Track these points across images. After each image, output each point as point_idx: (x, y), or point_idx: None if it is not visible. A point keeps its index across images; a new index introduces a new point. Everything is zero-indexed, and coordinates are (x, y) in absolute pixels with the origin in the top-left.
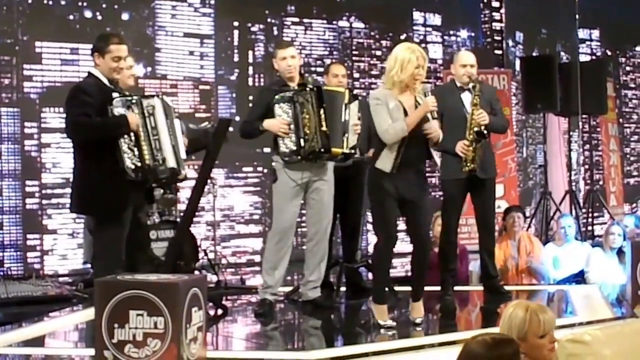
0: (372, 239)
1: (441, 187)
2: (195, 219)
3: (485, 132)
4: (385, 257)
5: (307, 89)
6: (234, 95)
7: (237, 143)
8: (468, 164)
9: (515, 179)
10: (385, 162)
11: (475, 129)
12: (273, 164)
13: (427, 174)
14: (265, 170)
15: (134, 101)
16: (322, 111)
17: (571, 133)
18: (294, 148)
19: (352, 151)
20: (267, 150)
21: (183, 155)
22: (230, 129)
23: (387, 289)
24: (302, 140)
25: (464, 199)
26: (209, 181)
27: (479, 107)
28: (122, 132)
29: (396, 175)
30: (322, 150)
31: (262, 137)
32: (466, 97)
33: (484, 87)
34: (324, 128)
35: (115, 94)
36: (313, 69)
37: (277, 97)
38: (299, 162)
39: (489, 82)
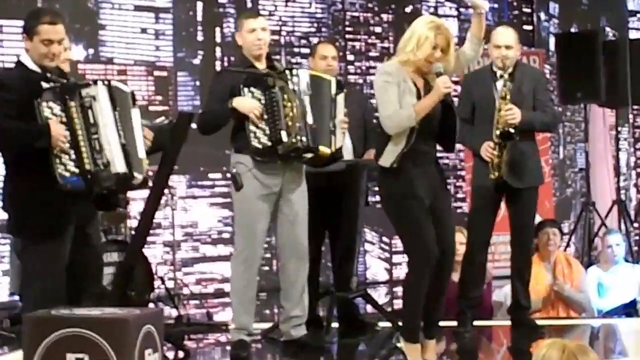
0: (371, 261)
1: (471, 194)
2: (149, 239)
3: (513, 132)
4: (421, 282)
5: (289, 70)
6: (197, 83)
7: (201, 143)
8: (494, 172)
9: (549, 186)
10: (389, 156)
11: (498, 130)
12: (234, 167)
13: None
14: None
15: (68, 90)
16: (307, 99)
17: (620, 128)
18: (269, 144)
19: (340, 152)
20: None
21: (141, 154)
22: (193, 125)
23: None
24: (283, 134)
25: (494, 211)
26: (166, 191)
27: (507, 102)
28: (41, 145)
29: (409, 172)
30: (308, 148)
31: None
32: (501, 86)
33: (526, 70)
34: (309, 120)
35: (45, 84)
36: (296, 49)
37: (245, 78)
38: (273, 163)
39: None
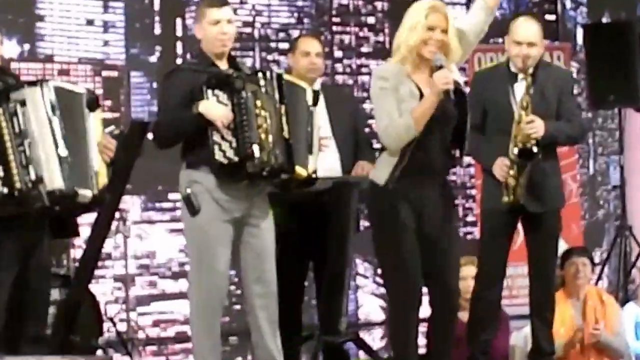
0: (364, 299)
1: (480, 218)
2: (97, 272)
3: (535, 149)
4: (406, 325)
5: (263, 73)
6: (154, 85)
7: (159, 156)
8: (508, 194)
9: (577, 207)
10: (382, 170)
11: (517, 149)
12: (188, 186)
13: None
14: None
15: None
16: (283, 109)
17: None
18: (236, 159)
19: (314, 177)
20: None
21: (94, 165)
22: (149, 135)
23: None
24: (255, 148)
25: (510, 237)
26: (117, 215)
27: (528, 112)
28: None
29: (404, 192)
30: (283, 168)
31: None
32: (520, 90)
33: (550, 71)
34: (286, 134)
35: None
36: (273, 44)
37: (208, 78)
38: (238, 183)
39: None
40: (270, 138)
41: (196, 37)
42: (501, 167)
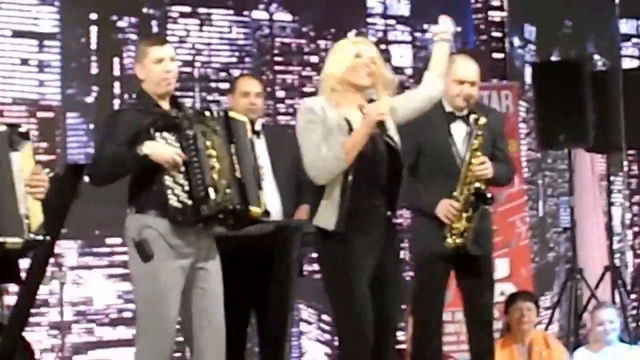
0: (308, 345)
1: (413, 265)
2: (31, 319)
3: (490, 196)
4: None
5: (210, 112)
6: (90, 126)
7: (97, 199)
8: (453, 237)
9: (527, 250)
10: (327, 215)
11: (477, 185)
12: (139, 231)
13: None
14: None
15: None
16: (233, 148)
17: (612, 178)
18: (189, 203)
19: (268, 213)
20: None
21: (22, 208)
22: (86, 178)
23: None
24: (210, 191)
25: (447, 282)
26: (52, 260)
27: (479, 153)
28: None
29: (352, 235)
30: (238, 210)
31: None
32: (458, 130)
33: (484, 112)
34: (238, 174)
35: None
36: (214, 84)
37: (154, 120)
38: (190, 227)
39: (484, 101)
40: (224, 179)
41: (136, 77)
42: (448, 210)
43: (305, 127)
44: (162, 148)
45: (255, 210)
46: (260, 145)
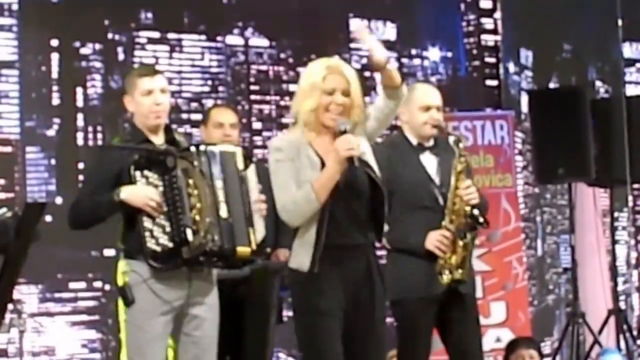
0: None
1: (394, 312)
2: None
3: (482, 218)
4: None
5: (194, 147)
6: (52, 161)
7: (58, 242)
8: (451, 270)
9: (525, 292)
10: (301, 255)
11: (467, 209)
12: (127, 274)
13: None
14: (108, 287)
15: None
16: (218, 184)
17: (616, 214)
18: (170, 245)
19: (263, 247)
20: (110, 252)
21: None
22: (48, 217)
23: None
24: (188, 232)
25: (432, 329)
26: (11, 307)
27: (463, 177)
28: None
29: (329, 274)
30: (221, 251)
31: (105, 230)
32: (429, 161)
33: (446, 143)
34: (223, 213)
35: None
36: (185, 115)
37: (136, 158)
38: (175, 271)
39: (477, 132)
40: (206, 219)
41: (100, 108)
42: (440, 241)
43: (274, 168)
44: (138, 192)
45: (242, 250)
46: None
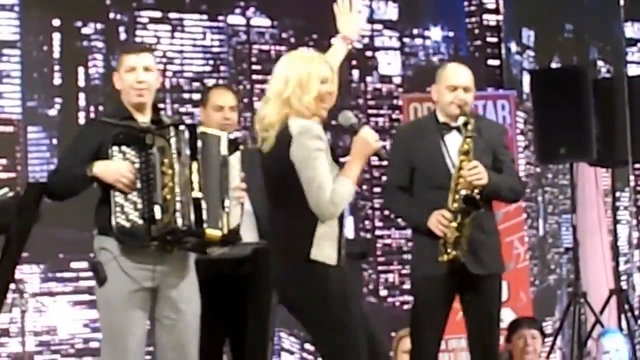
0: None
1: (410, 287)
2: None
3: (479, 197)
4: None
5: (172, 126)
6: (54, 141)
7: (61, 221)
8: (448, 250)
9: (526, 272)
10: (327, 249)
11: (463, 192)
12: (97, 252)
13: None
14: None
15: None
16: (194, 165)
17: (618, 194)
18: (140, 222)
19: (235, 234)
20: None
21: None
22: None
23: None
24: (156, 209)
25: (447, 308)
26: (13, 287)
27: (471, 158)
28: None
29: (344, 270)
30: (190, 231)
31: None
32: (453, 141)
33: (484, 124)
34: (195, 193)
35: None
36: (186, 95)
37: (115, 133)
38: (144, 248)
39: (479, 111)
40: (176, 198)
41: (101, 88)
42: (439, 220)
43: (315, 156)
44: (111, 167)
45: (211, 232)
46: (236, 159)
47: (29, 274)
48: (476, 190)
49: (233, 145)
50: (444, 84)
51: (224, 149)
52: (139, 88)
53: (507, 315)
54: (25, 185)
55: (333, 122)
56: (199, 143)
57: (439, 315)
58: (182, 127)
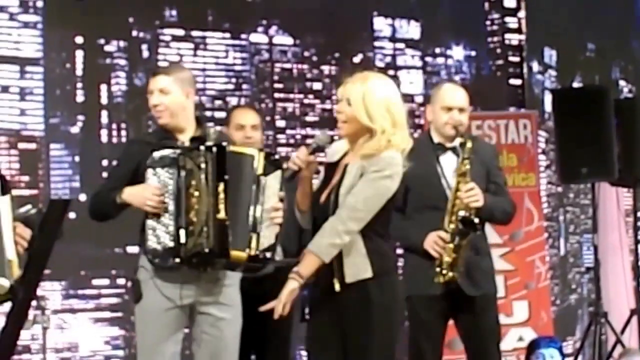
0: None
1: (407, 307)
2: None
3: (477, 221)
4: None
5: (201, 147)
6: (76, 158)
7: (82, 238)
8: (444, 271)
9: (547, 292)
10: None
11: (461, 213)
12: (138, 268)
13: None
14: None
15: None
16: (221, 186)
17: (639, 214)
18: (171, 244)
19: (267, 255)
20: (133, 249)
21: (9, 254)
22: (71, 214)
23: None
24: (181, 233)
25: (443, 327)
26: (34, 303)
27: (467, 179)
28: None
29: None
30: (214, 253)
31: (129, 227)
32: (448, 162)
33: (478, 145)
34: (221, 215)
35: None
36: (209, 113)
37: (154, 155)
38: (177, 269)
39: (501, 131)
40: (202, 220)
41: (123, 105)
42: (435, 241)
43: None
44: (137, 193)
45: (236, 254)
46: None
47: (50, 291)
48: (473, 212)
49: (272, 164)
50: (439, 105)
51: (258, 169)
52: (155, 111)
53: (528, 335)
54: (47, 202)
55: None
56: (231, 163)
57: (436, 334)
58: (210, 147)
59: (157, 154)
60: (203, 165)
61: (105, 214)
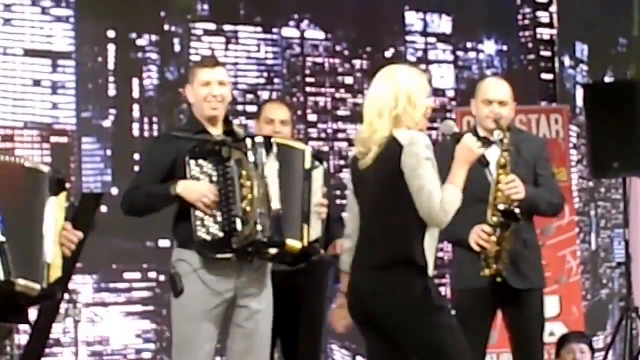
0: None
1: (451, 299)
2: None
3: (518, 212)
4: None
5: (250, 139)
6: (108, 152)
7: (114, 232)
8: (490, 265)
9: (578, 286)
10: (428, 255)
11: (502, 207)
12: (175, 264)
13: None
14: (163, 278)
15: None
16: (273, 177)
17: None
18: (221, 235)
19: (316, 247)
20: (165, 243)
21: (46, 256)
22: (103, 208)
23: None
24: (238, 222)
25: (489, 321)
26: (67, 297)
27: (508, 172)
28: None
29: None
30: (270, 242)
31: (160, 220)
32: (493, 155)
33: (524, 138)
34: (275, 205)
35: None
36: (240, 107)
37: (192, 147)
38: (225, 261)
39: (532, 126)
40: (257, 210)
41: (155, 100)
42: (479, 235)
43: (425, 164)
44: (193, 188)
45: (292, 244)
46: (319, 178)
47: (82, 285)
48: (515, 204)
49: (317, 159)
50: (481, 99)
51: (307, 163)
52: (213, 101)
53: (559, 330)
54: (80, 196)
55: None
56: (283, 156)
57: (482, 328)
58: (259, 140)
59: (198, 146)
60: (252, 157)
61: (152, 207)
